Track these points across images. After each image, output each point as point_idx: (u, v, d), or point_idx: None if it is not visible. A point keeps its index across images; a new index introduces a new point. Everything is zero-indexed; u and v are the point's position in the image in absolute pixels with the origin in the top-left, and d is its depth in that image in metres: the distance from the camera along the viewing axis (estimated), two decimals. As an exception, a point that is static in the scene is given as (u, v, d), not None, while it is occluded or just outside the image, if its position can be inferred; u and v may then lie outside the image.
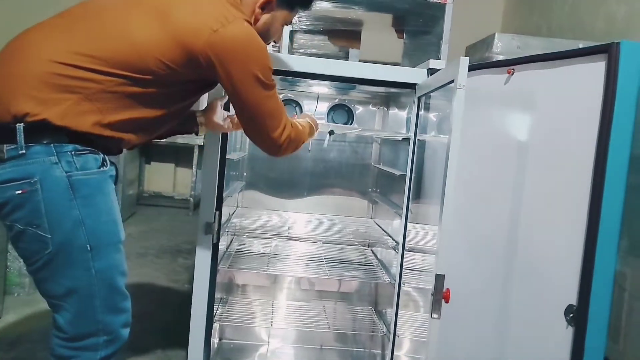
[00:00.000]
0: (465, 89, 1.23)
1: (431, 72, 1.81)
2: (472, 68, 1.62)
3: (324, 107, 2.47)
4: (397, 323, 1.98)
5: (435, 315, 1.23)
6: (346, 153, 2.53)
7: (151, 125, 1.35)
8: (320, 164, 2.53)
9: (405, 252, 1.93)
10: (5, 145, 1.17)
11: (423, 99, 1.81)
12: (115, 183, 1.37)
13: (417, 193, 2.03)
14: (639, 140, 1.22)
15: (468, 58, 1.23)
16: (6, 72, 1.21)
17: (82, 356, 1.28)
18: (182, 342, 1.88)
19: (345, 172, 2.54)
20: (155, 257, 3.97)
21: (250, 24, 1.34)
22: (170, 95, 1.32)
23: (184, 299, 1.75)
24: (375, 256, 2.37)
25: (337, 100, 2.46)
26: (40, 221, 1.19)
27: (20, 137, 1.16)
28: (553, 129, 1.34)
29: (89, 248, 1.22)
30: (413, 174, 1.90)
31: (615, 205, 1.20)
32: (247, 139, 1.95)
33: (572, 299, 1.23)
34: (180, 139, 5.14)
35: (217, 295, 2.01)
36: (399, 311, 1.97)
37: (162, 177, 5.87)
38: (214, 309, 1.90)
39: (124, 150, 1.38)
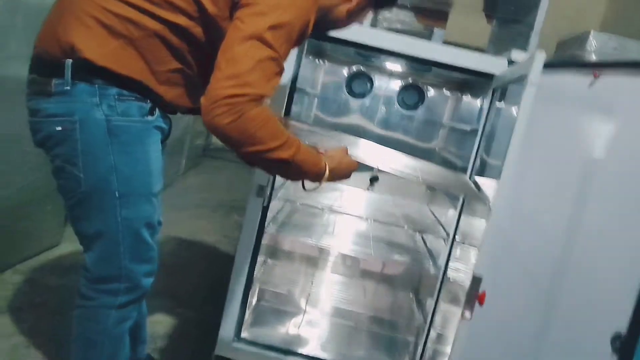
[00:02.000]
0: (536, 86, 1.15)
1: (511, 63, 1.71)
2: (555, 65, 1.52)
3: (395, 85, 2.40)
4: (435, 316, 1.94)
5: (466, 316, 1.19)
6: (412, 134, 2.46)
7: (198, 82, 1.29)
8: (384, 140, 2.47)
9: (455, 244, 1.87)
10: (53, 79, 1.19)
11: (498, 92, 1.72)
12: (167, 138, 1.38)
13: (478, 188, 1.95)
14: None
15: (544, 54, 1.14)
16: (62, 6, 1.23)
17: (102, 299, 1.33)
18: (221, 298, 1.92)
19: (408, 150, 2.48)
20: (211, 210, 4.09)
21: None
22: (215, 32, 1.22)
23: (231, 257, 1.78)
24: (425, 243, 2.31)
25: (410, 80, 2.39)
26: (76, 160, 1.21)
27: (68, 72, 1.18)
28: (632, 146, 1.23)
29: (117, 195, 1.24)
30: (475, 168, 1.82)
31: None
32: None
33: (622, 326, 1.14)
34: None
35: (260, 258, 2.04)
36: (441, 304, 1.93)
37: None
38: (256, 270, 1.93)
39: (177, 112, 1.37)
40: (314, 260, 2.36)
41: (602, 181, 1.29)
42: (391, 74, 2.37)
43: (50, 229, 2.62)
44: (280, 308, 2.23)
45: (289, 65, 1.61)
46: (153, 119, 1.27)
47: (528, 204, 1.45)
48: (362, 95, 2.43)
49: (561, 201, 1.39)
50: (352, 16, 1.39)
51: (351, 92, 2.42)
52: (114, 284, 1.32)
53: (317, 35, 1.54)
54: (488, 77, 1.76)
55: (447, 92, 2.44)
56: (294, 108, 1.84)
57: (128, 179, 1.24)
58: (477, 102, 1.97)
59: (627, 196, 1.21)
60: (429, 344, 1.95)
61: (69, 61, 1.17)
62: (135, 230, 1.29)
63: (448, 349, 1.98)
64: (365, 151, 1.50)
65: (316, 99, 2.45)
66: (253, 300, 2.19)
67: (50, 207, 2.51)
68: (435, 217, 2.17)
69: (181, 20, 1.20)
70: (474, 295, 1.19)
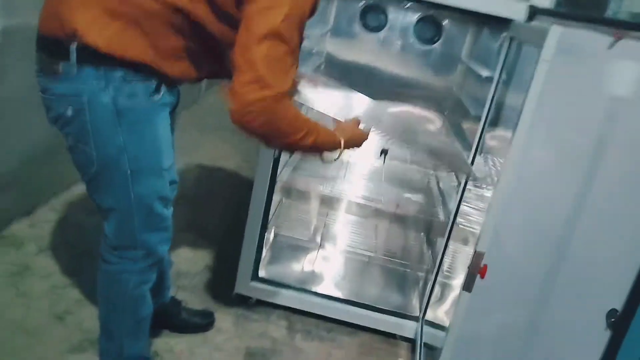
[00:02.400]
0: (549, 63, 1.09)
1: (532, 10, 1.61)
2: (578, 18, 1.42)
3: (412, 18, 2.29)
4: (445, 256, 2.00)
5: (466, 290, 1.24)
6: (429, 71, 2.38)
7: (203, 56, 1.31)
8: (398, 80, 2.41)
9: (467, 188, 1.88)
10: (61, 61, 1.21)
11: (515, 42, 1.63)
12: (176, 107, 1.40)
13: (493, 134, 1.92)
14: None
15: (561, 29, 1.07)
16: None
17: (124, 264, 1.44)
18: (239, 228, 2.02)
19: (423, 89, 2.42)
20: (230, 133, 4.12)
21: None
22: (215, 22, 1.23)
23: (250, 183, 1.83)
24: (438, 184, 2.33)
25: (427, 13, 2.26)
26: (87, 139, 1.27)
27: (73, 57, 1.19)
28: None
29: (129, 172, 1.30)
30: (489, 117, 1.78)
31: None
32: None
33: (617, 303, 1.17)
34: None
35: (276, 197, 2.10)
36: (450, 245, 1.99)
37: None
38: (271, 210, 1.99)
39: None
40: (328, 200, 2.42)
41: (614, 154, 1.27)
42: (407, 7, 2.25)
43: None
44: (296, 245, 2.33)
45: None
46: (159, 97, 1.29)
47: (538, 174, 1.44)
48: (377, 29, 2.33)
49: (572, 171, 1.37)
50: None
51: (366, 26, 2.32)
52: (131, 251, 1.42)
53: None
54: (506, 21, 1.67)
55: (466, 27, 2.31)
56: (305, 43, 1.79)
57: (138, 157, 1.30)
58: (496, 45, 1.88)
59: (634, 176, 1.19)
60: (438, 278, 2.04)
61: (74, 46, 1.18)
62: (148, 204, 1.36)
63: (454, 283, 2.09)
64: (371, 114, 1.49)
65: (328, 34, 2.36)
66: (270, 237, 2.29)
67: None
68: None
69: (181, 2, 1.18)
70: (476, 270, 1.23)
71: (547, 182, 1.42)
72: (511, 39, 1.64)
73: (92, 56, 1.19)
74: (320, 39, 2.32)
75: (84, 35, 1.17)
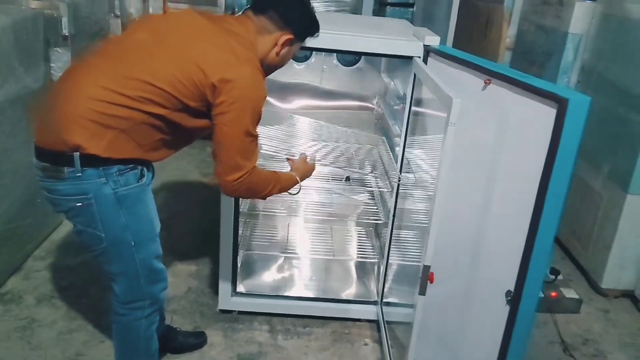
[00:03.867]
0: (455, 126, 1.44)
1: (426, 48, 1.95)
2: (459, 61, 1.77)
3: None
4: (391, 244, 2.37)
5: (421, 294, 1.63)
6: (354, 87, 2.70)
7: (180, 141, 1.66)
8: (330, 94, 2.73)
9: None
10: (66, 168, 1.50)
11: (417, 78, 1.98)
12: (152, 179, 1.73)
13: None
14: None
15: (460, 100, 1.41)
16: (59, 110, 1.50)
17: (134, 314, 1.78)
18: (211, 241, 2.34)
19: (354, 99, 2.75)
20: (188, 147, 4.36)
21: (260, 65, 1.58)
22: (191, 120, 1.57)
23: (212, 195, 2.15)
24: (377, 185, 2.70)
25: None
26: (96, 224, 1.58)
27: (77, 163, 1.49)
28: (513, 144, 1.56)
29: (133, 244, 1.63)
30: (406, 141, 2.14)
31: (553, 217, 1.47)
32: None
33: (512, 286, 1.57)
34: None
35: (242, 219, 2.42)
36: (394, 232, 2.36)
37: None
38: (240, 231, 2.31)
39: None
40: (287, 214, 2.75)
41: (497, 166, 1.65)
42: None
43: (49, 212, 2.93)
44: (266, 257, 2.66)
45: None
46: (145, 179, 1.62)
47: (454, 183, 1.81)
48: (304, 59, 2.64)
49: (473, 182, 1.75)
50: (284, 56, 1.70)
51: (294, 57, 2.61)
52: (139, 303, 1.76)
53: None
54: (410, 58, 2.01)
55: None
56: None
57: (138, 231, 1.63)
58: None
59: (514, 181, 1.57)
60: (388, 264, 2.42)
61: (77, 154, 1.48)
62: (150, 264, 1.71)
63: (400, 264, 2.47)
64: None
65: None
66: (242, 255, 2.62)
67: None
68: (383, 163, 2.52)
69: (161, 111, 1.51)
70: (426, 279, 1.62)
71: (460, 197, 1.80)
72: (415, 75, 1.99)
73: (92, 160, 1.49)
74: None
75: (86, 149, 1.47)
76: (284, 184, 1.79)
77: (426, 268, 1.63)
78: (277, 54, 1.66)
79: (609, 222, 2.73)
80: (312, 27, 1.70)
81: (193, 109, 1.53)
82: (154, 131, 1.54)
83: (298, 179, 1.86)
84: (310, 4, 1.70)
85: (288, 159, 1.99)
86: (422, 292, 1.66)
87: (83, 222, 1.59)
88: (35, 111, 1.59)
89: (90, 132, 1.47)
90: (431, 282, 1.65)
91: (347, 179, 2.29)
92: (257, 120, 1.56)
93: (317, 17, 1.71)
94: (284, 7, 1.63)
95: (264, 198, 1.76)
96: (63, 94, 1.51)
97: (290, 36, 1.64)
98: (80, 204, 1.54)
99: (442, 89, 1.53)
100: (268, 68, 1.69)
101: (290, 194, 1.88)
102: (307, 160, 1.96)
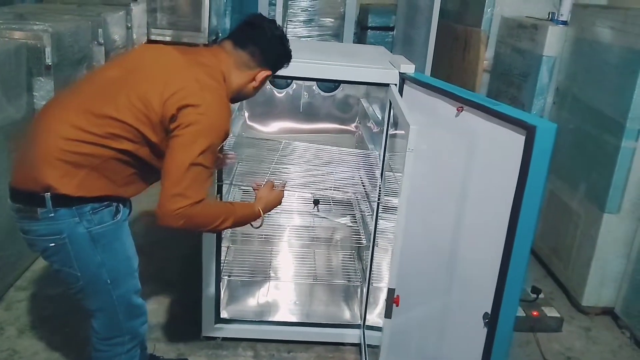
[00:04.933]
0: (414, 152, 1.48)
1: (402, 76, 2.00)
2: (433, 89, 1.82)
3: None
4: (372, 266, 2.40)
5: (387, 317, 1.64)
6: (334, 112, 2.76)
7: (152, 176, 1.64)
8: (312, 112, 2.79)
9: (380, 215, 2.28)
10: (38, 208, 1.50)
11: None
12: (129, 214, 1.72)
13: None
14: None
15: (417, 128, 1.45)
16: (32, 150, 1.51)
17: (114, 350, 1.76)
18: (193, 267, 2.33)
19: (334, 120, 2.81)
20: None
21: (226, 95, 1.58)
22: (157, 159, 1.55)
23: None
24: (359, 208, 2.73)
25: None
26: (71, 264, 1.58)
27: (49, 203, 1.50)
28: (485, 169, 1.60)
29: (109, 282, 1.62)
30: (384, 164, 2.18)
31: (526, 239, 1.51)
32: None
33: (489, 308, 1.60)
34: (185, 39, 5.28)
35: (224, 245, 2.42)
36: (376, 255, 2.39)
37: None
38: (222, 256, 2.32)
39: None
40: (270, 238, 2.76)
41: (470, 192, 1.69)
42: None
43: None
44: (249, 282, 2.67)
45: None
46: (120, 215, 1.62)
47: (426, 206, 1.84)
48: (285, 86, 2.69)
49: (445, 205, 1.79)
50: (258, 88, 1.72)
51: (274, 83, 2.68)
52: (118, 339, 1.75)
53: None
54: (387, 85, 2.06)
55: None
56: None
57: (114, 268, 1.63)
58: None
59: (487, 205, 1.61)
60: (371, 287, 2.44)
61: (48, 195, 1.48)
62: (128, 300, 1.70)
63: (383, 284, 2.49)
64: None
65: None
66: (225, 280, 2.62)
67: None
68: (365, 189, 2.55)
69: (129, 146, 1.51)
70: (391, 302, 1.64)
71: (434, 220, 1.84)
72: (390, 102, 2.03)
73: (64, 200, 1.49)
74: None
75: (57, 188, 1.47)
76: (239, 217, 1.61)
77: (391, 291, 1.65)
78: (255, 88, 1.69)
79: (588, 240, 2.78)
80: (287, 61, 1.73)
81: (157, 145, 1.52)
82: (124, 167, 1.55)
83: (260, 210, 1.68)
84: (286, 38, 1.70)
85: (253, 188, 1.84)
86: (388, 315, 1.67)
87: (58, 261, 1.59)
88: (15, 148, 1.61)
89: (61, 171, 1.47)
90: (397, 304, 1.67)
91: (316, 202, 2.26)
92: (211, 151, 1.48)
93: (290, 50, 1.71)
94: (266, 46, 1.63)
95: (212, 232, 1.70)
96: (36, 133, 1.53)
97: (269, 72, 1.68)
98: (53, 244, 1.54)
99: (404, 116, 1.57)
100: (238, 97, 1.70)
101: (252, 226, 1.71)
102: (274, 187, 1.79)
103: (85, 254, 1.56)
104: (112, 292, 1.63)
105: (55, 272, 1.64)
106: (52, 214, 1.50)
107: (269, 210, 1.76)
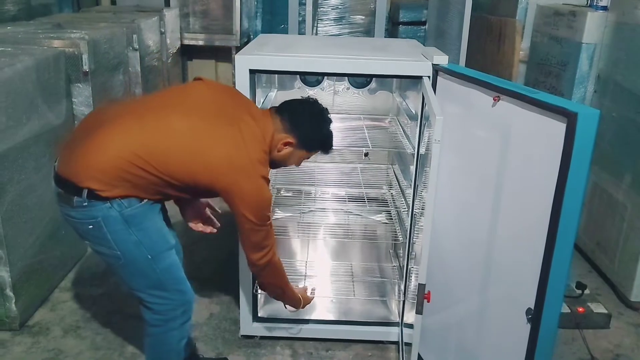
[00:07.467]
0: (440, 144, 1.45)
1: (435, 67, 1.96)
2: (469, 79, 1.78)
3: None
4: (409, 263, 2.36)
5: (418, 313, 1.61)
6: (367, 109, 2.72)
7: (176, 198, 1.87)
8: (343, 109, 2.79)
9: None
10: (75, 197, 1.63)
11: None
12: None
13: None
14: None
15: (442, 118, 1.42)
16: (84, 156, 1.63)
17: (167, 325, 1.86)
18: (231, 266, 2.38)
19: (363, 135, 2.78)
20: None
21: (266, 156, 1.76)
22: (193, 193, 1.79)
23: (231, 222, 2.13)
24: (395, 205, 2.69)
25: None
26: (109, 244, 1.69)
27: (84, 195, 1.62)
28: (524, 161, 1.55)
29: (150, 257, 1.73)
30: (420, 153, 2.14)
31: (570, 231, 1.45)
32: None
33: (531, 303, 1.55)
34: (218, 42, 5.33)
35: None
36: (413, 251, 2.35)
37: (204, 73, 6.09)
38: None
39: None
40: (305, 233, 2.75)
41: (509, 186, 1.63)
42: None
43: (73, 243, 2.99)
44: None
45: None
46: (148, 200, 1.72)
47: (460, 204, 1.80)
48: (316, 84, 2.67)
49: (483, 201, 1.74)
50: (285, 156, 1.86)
51: (305, 82, 2.67)
52: (171, 313, 1.85)
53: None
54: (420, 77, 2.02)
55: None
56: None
57: (151, 245, 1.74)
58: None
59: (527, 199, 1.56)
60: (408, 284, 2.40)
61: (86, 191, 1.61)
62: (172, 273, 1.82)
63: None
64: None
65: (275, 90, 2.72)
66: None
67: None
68: (400, 186, 2.52)
69: (176, 190, 1.71)
70: (422, 298, 1.60)
71: (471, 214, 1.79)
72: (423, 96, 1.99)
73: (99, 196, 1.61)
74: (267, 98, 2.64)
75: (97, 191, 1.60)
76: (291, 293, 2.09)
77: (421, 286, 1.62)
78: (279, 151, 1.82)
79: (635, 233, 2.67)
80: (320, 141, 1.88)
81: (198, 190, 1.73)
82: (157, 189, 1.68)
83: (300, 305, 2.17)
84: (326, 120, 1.87)
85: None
86: (419, 310, 1.64)
87: (99, 243, 1.71)
88: (61, 144, 1.74)
89: (105, 182, 1.61)
90: (427, 300, 1.64)
91: (366, 154, 2.37)
92: (261, 214, 1.72)
93: (330, 136, 1.90)
94: (294, 115, 1.82)
95: (279, 293, 2.05)
96: (91, 141, 1.64)
97: (291, 140, 1.80)
98: (91, 226, 1.66)
99: (432, 107, 1.54)
100: (275, 163, 1.89)
101: (285, 306, 2.18)
102: (307, 292, 2.25)
103: (122, 234, 1.68)
104: (154, 267, 1.75)
105: (97, 252, 1.76)
106: (86, 203, 1.62)
107: (302, 308, 2.20)
